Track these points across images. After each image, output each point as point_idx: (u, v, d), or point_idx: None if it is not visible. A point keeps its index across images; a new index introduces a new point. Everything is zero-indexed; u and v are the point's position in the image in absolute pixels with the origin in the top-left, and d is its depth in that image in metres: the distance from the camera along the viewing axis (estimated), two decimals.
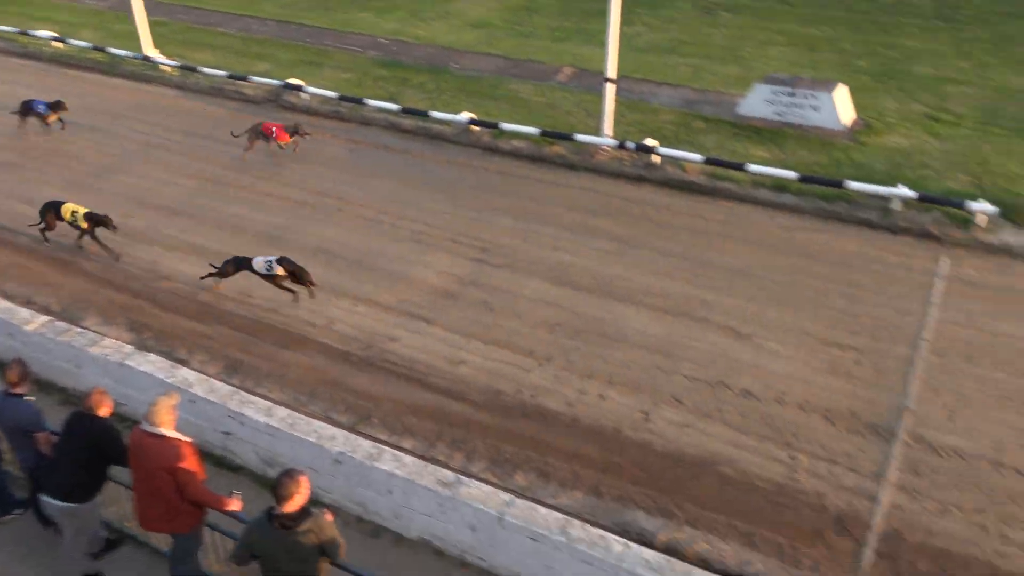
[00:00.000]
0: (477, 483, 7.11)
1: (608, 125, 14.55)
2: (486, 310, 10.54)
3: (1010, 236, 11.81)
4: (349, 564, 5.79)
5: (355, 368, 9.59)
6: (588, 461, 8.18)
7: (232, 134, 14.56)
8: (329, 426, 7.76)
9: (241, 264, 10.64)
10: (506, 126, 15.06)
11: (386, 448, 7.60)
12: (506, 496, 7.01)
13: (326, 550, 5.49)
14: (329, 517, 5.62)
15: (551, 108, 16.43)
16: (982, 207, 11.90)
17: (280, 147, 14.61)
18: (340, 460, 7.50)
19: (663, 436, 8.51)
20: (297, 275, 10.48)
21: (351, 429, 8.35)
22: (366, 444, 7.60)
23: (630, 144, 14.13)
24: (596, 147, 14.47)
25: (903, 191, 12.35)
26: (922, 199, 12.36)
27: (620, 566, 6.50)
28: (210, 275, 10.81)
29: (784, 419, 8.70)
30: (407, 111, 15.97)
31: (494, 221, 12.57)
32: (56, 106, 15.48)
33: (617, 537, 6.77)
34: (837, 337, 9.93)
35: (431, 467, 7.25)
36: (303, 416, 7.85)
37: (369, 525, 7.65)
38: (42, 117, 15.40)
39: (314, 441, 7.55)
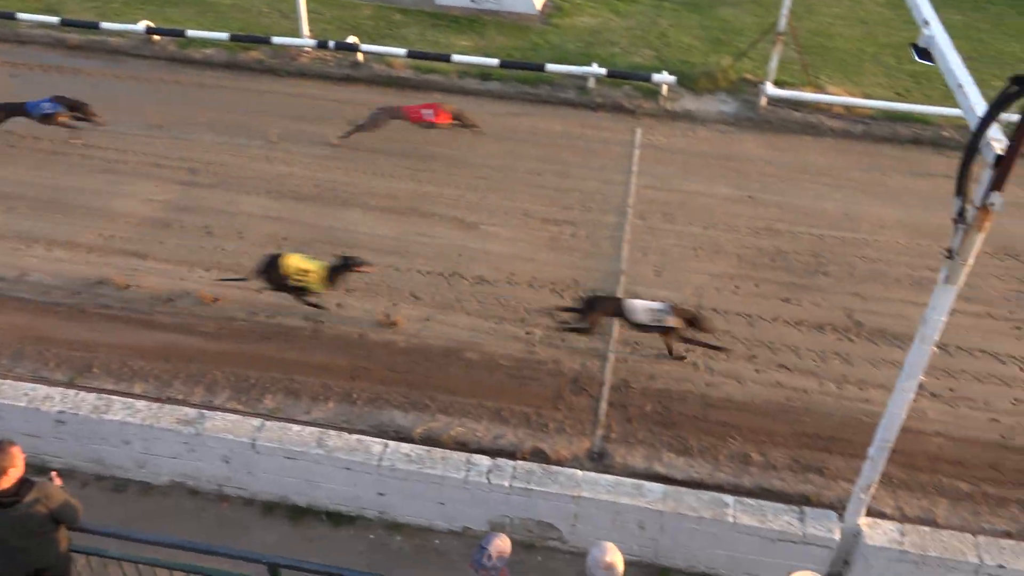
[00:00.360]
0: (222, 415, 6.87)
1: (307, 25, 13.86)
2: (205, 234, 9.89)
3: (690, 103, 13.04)
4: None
5: (64, 319, 8.67)
6: (336, 371, 8.15)
7: None
8: (41, 386, 7.02)
9: None
10: (192, 33, 13.81)
11: (115, 398, 7.07)
12: (256, 421, 6.85)
13: (60, 517, 5.07)
14: (58, 482, 5.17)
15: (241, 10, 15.29)
16: (664, 78, 12.96)
17: None
18: (62, 420, 6.87)
19: (407, 333, 8.65)
20: None
21: (69, 385, 7.62)
22: (91, 397, 7.01)
23: (331, 43, 13.61)
24: (297, 49, 13.76)
25: (596, 69, 13.11)
26: (613, 75, 13.22)
27: (381, 465, 6.67)
28: None
29: (517, 298, 9.17)
30: (70, 23, 14.06)
31: (197, 138, 11.67)
32: None
33: (375, 439, 6.91)
34: (554, 214, 10.54)
35: (168, 407, 6.87)
36: (7, 380, 7.02)
37: (111, 481, 7.15)
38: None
39: (26, 405, 6.82)
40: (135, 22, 14.01)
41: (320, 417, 7.63)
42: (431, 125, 11.79)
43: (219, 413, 6.93)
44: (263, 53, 13.76)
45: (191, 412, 6.88)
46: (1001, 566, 6.19)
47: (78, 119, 11.17)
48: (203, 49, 13.83)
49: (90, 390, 7.34)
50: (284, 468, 6.83)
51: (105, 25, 13.98)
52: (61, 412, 6.88)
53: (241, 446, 6.73)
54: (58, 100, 11.09)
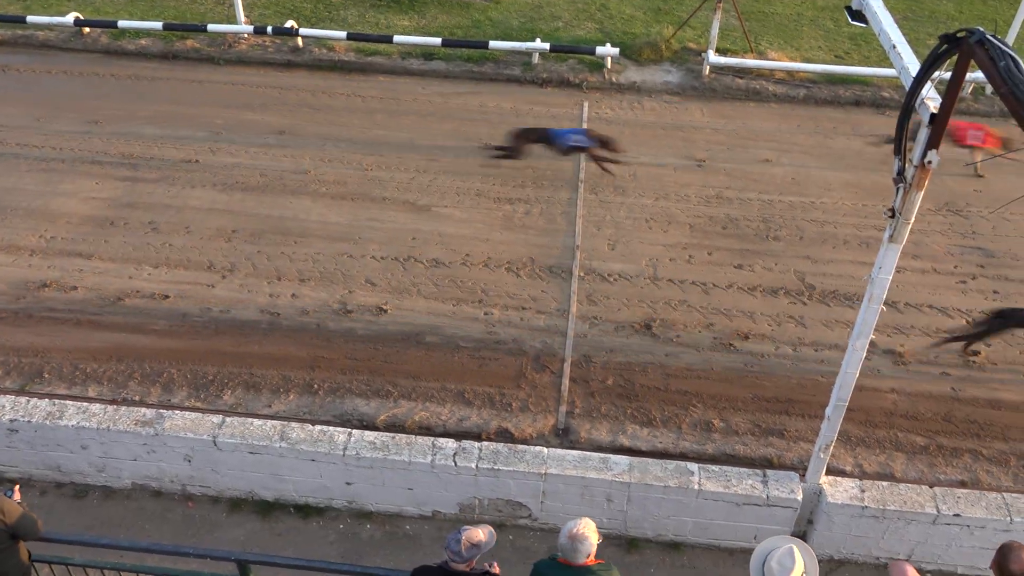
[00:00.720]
0: (181, 413, 6.75)
1: (242, 11, 13.54)
2: (150, 231, 9.67)
3: (634, 74, 13.07)
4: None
5: (9, 325, 8.41)
6: (296, 362, 8.06)
7: None
8: None
9: None
10: (124, 24, 13.40)
11: (68, 402, 6.90)
12: (216, 418, 6.75)
13: (18, 532, 4.94)
14: (16, 496, 5.04)
15: None
16: (608, 51, 12.96)
17: None
18: (15, 428, 6.70)
19: (364, 320, 8.58)
20: None
21: (20, 392, 7.43)
22: (43, 404, 6.83)
23: (269, 28, 13.33)
24: (234, 36, 13.46)
25: (540, 44, 13.05)
26: (557, 50, 13.18)
27: (346, 455, 6.63)
28: None
29: (473, 279, 9.15)
30: None
31: (137, 132, 11.37)
32: None
33: (339, 428, 6.86)
34: (507, 193, 10.51)
35: (125, 409, 6.72)
36: None
37: (70, 487, 7.01)
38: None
39: None
40: (63, 14, 13.56)
41: (282, 410, 7.55)
42: (972, 148, 10.12)
43: (178, 412, 6.80)
44: (199, 42, 13.44)
45: (149, 413, 6.74)
46: (957, 515, 6.40)
47: (605, 158, 10.39)
48: (137, 40, 13.46)
49: (42, 396, 7.16)
50: (248, 463, 6.75)
51: (32, 19, 13.52)
52: (13, 420, 6.69)
53: (203, 444, 6.63)
54: (590, 135, 10.46)
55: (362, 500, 6.95)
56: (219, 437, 6.62)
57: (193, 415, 6.79)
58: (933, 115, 4.61)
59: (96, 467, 6.95)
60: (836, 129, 11.99)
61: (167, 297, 8.75)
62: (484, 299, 8.90)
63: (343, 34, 13.31)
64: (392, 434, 6.90)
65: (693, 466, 6.74)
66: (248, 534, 6.76)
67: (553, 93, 12.75)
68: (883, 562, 6.75)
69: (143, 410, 6.78)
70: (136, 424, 6.65)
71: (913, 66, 4.78)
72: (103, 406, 6.89)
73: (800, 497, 6.53)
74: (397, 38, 13.20)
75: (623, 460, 6.77)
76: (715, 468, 6.74)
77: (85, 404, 6.92)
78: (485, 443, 6.88)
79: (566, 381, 7.99)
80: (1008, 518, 6.36)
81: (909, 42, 5.15)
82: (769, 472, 6.72)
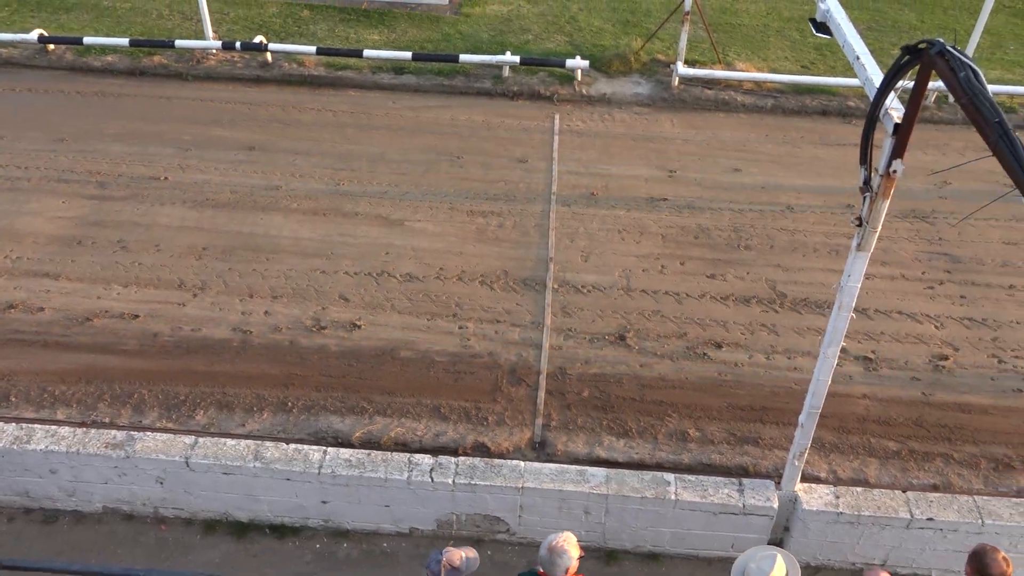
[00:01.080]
0: (152, 434, 6.66)
1: (210, 26, 13.45)
2: (120, 249, 9.54)
3: (604, 86, 13.15)
4: None
5: None
6: (269, 380, 7.98)
7: None
8: None
9: None
10: (90, 40, 13.25)
11: (36, 426, 6.79)
12: (188, 439, 6.66)
13: None
14: None
15: (140, 14, 14.75)
16: (578, 63, 13.02)
17: None
18: None
19: (338, 336, 8.53)
20: None
21: None
22: (10, 428, 6.72)
23: (238, 44, 13.25)
24: (202, 52, 13.36)
25: (510, 57, 13.10)
26: (527, 63, 13.23)
27: (322, 473, 6.57)
28: None
29: (447, 293, 9.13)
30: None
31: (104, 149, 11.24)
32: None
33: (313, 446, 6.80)
34: (479, 206, 10.52)
35: (95, 432, 6.62)
36: None
37: (39, 513, 6.89)
38: None
39: None
40: (27, 31, 13.37)
41: (255, 429, 7.47)
42: None
43: (149, 433, 6.71)
44: (167, 58, 13.32)
45: (119, 435, 6.64)
46: (930, 519, 6.47)
47: None
48: (103, 56, 13.31)
49: (9, 420, 7.02)
50: (222, 484, 6.67)
51: None
52: None
53: (175, 465, 6.54)
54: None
55: (338, 518, 6.90)
56: (192, 458, 6.54)
57: (165, 436, 6.70)
58: (897, 125, 4.68)
59: (66, 491, 6.83)
60: (804, 138, 12.14)
61: (137, 317, 8.63)
62: (458, 313, 8.88)
63: (313, 49, 13.26)
64: (368, 451, 6.87)
65: (670, 476, 6.77)
66: (223, 556, 6.68)
67: (524, 106, 12.79)
68: (859, 567, 6.81)
69: (113, 432, 6.68)
70: (106, 447, 6.55)
71: (877, 77, 4.86)
72: (72, 429, 6.79)
73: (776, 505, 6.57)
74: (367, 52, 13.18)
75: (600, 472, 6.78)
76: (691, 478, 6.77)
77: (54, 427, 6.81)
78: (462, 458, 6.86)
79: (542, 394, 7.98)
80: (980, 520, 6.45)
81: (873, 52, 5.23)
82: (745, 480, 6.77)
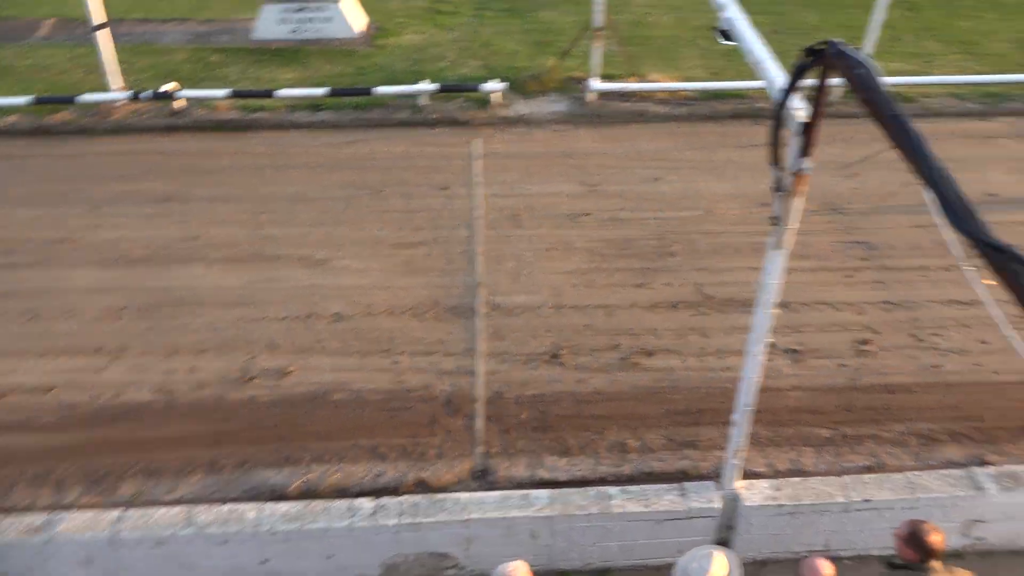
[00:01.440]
0: (74, 513, 6.37)
1: (115, 77, 13.16)
2: (30, 319, 9.19)
3: (522, 107, 13.22)
4: None
5: None
6: (197, 440, 7.72)
7: None
8: None
9: None
10: None
11: None
12: (114, 513, 6.39)
13: None
14: None
15: (41, 70, 14.37)
16: (494, 86, 13.08)
17: None
18: None
19: (268, 385, 8.33)
20: None
21: None
22: None
23: (146, 93, 12.99)
24: (108, 104, 13.06)
25: (426, 86, 13.09)
26: (444, 89, 13.24)
27: (259, 531, 6.38)
28: None
29: (378, 329, 9.00)
30: None
31: (8, 215, 10.85)
32: None
33: (248, 504, 6.61)
34: (404, 237, 10.42)
35: (12, 518, 6.30)
36: None
37: None
38: None
39: None
40: None
41: (187, 493, 7.19)
42: None
43: (71, 512, 6.43)
44: (72, 113, 12.98)
45: (38, 519, 6.33)
46: (867, 500, 6.58)
47: None
48: (5, 117, 12.91)
49: None
50: (155, 557, 6.41)
51: None
52: None
53: (100, 543, 6.26)
54: None
55: None
56: (120, 532, 6.28)
57: (89, 513, 6.42)
58: (803, 124, 4.76)
59: None
60: (719, 143, 12.36)
61: (52, 389, 8.28)
62: (391, 348, 8.76)
63: (224, 92, 13.07)
64: (306, 501, 6.70)
65: (613, 490, 6.75)
66: None
67: (443, 133, 12.77)
68: (804, 555, 6.86)
69: (31, 517, 6.36)
70: (25, 532, 6.23)
71: (779, 79, 4.95)
72: None
73: (718, 505, 6.60)
74: (281, 92, 13.04)
75: (543, 494, 6.73)
76: (634, 488, 6.77)
77: None
78: (404, 497, 6.74)
79: (480, 421, 7.90)
80: (914, 495, 6.60)
81: (779, 54, 5.32)
82: (687, 484, 6.79)
